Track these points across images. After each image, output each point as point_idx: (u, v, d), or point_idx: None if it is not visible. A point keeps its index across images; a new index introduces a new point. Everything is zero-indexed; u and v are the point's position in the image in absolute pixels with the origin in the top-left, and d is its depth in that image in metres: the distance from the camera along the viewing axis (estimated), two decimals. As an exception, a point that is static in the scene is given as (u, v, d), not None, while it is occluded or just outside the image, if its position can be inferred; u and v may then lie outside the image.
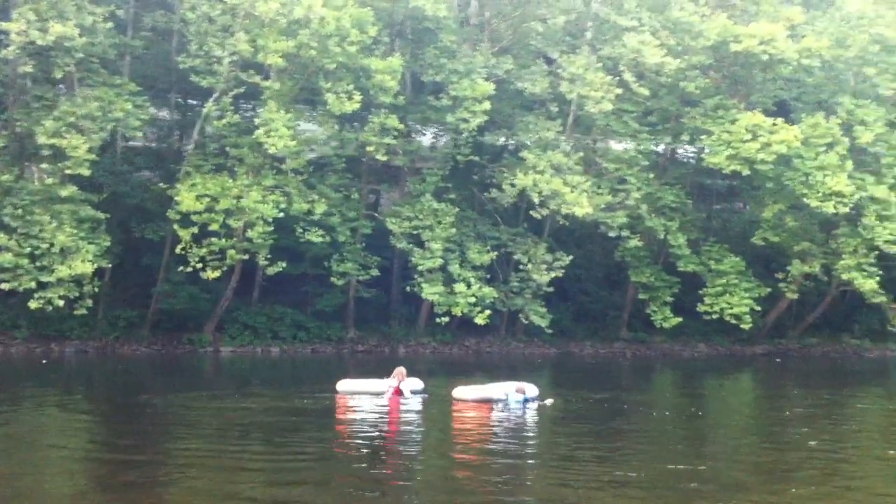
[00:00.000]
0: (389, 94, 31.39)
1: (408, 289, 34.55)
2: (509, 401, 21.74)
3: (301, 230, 32.17)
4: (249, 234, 31.05)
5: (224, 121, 31.25)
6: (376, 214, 35.66)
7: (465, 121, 32.41)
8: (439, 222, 33.31)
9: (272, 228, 31.13)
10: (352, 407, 21.44)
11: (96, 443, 17.13)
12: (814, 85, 37.99)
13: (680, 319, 36.89)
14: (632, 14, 34.43)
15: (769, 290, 37.49)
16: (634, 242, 35.70)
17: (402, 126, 33.05)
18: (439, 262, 32.95)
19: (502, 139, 34.69)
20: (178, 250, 31.28)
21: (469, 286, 33.01)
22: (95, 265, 29.63)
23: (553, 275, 34.69)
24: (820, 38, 35.46)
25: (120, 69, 32.39)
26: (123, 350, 32.90)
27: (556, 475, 14.49)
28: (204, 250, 31.00)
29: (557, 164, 33.57)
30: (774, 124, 34.35)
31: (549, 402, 21.88)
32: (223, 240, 31.08)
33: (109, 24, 30.52)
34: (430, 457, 16.45)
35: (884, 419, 22.43)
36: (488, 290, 33.37)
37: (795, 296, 38.61)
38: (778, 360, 38.28)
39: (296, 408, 21.06)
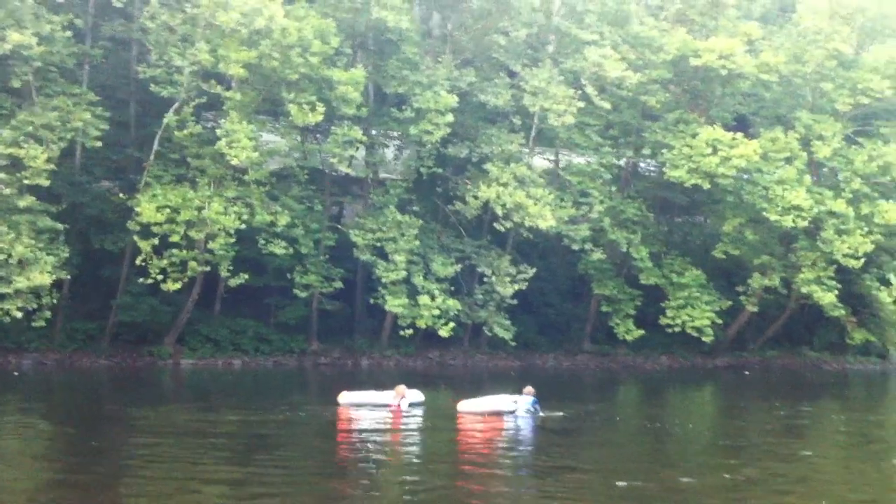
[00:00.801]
0: (352, 106, 31.35)
1: (371, 301, 34.41)
2: (518, 411, 21.82)
3: (264, 242, 31.95)
4: (211, 245, 30.78)
5: (185, 131, 31.01)
6: (340, 226, 35.52)
7: (429, 133, 32.45)
8: (403, 234, 33.26)
9: (234, 240, 30.92)
10: (352, 419, 21.56)
11: (54, 458, 16.76)
12: (772, 99, 38.56)
13: (643, 332, 37.15)
14: (593, 28, 34.78)
15: (730, 303, 37.86)
16: (597, 255, 35.90)
17: (365, 138, 33.02)
18: (403, 274, 32.86)
19: (466, 151, 34.77)
20: (138, 262, 30.93)
21: (433, 298, 32.95)
22: (54, 276, 29.21)
23: (517, 287, 34.76)
24: (777, 53, 36.07)
25: (79, 78, 32.04)
26: (82, 362, 32.38)
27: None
28: (165, 262, 30.67)
29: (521, 176, 33.70)
30: (734, 138, 34.78)
31: (559, 414, 21.94)
32: (184, 251, 30.77)
33: (68, 33, 30.26)
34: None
35: (851, 430, 22.67)
36: (452, 303, 33.33)
37: (756, 309, 39.02)
38: (747, 372, 38.56)
39: (291, 421, 20.94)
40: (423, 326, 33.23)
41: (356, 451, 17.44)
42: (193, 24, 30.77)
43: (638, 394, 31.43)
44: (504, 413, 22.12)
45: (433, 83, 32.95)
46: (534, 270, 35.31)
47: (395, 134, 35.31)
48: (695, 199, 40.88)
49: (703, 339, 36.81)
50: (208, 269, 31.75)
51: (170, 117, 30.93)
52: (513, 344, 35.91)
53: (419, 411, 22.97)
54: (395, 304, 32.95)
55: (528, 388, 22.52)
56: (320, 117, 30.85)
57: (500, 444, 19.22)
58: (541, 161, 38.46)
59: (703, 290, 37.24)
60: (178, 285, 30.94)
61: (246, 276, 31.91)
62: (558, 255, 40.34)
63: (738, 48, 34.75)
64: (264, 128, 32.33)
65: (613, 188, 37.08)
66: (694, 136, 35.31)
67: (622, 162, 38.46)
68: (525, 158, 34.84)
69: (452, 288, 34.53)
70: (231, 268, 31.55)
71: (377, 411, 22.58)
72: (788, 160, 35.81)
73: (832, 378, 38.54)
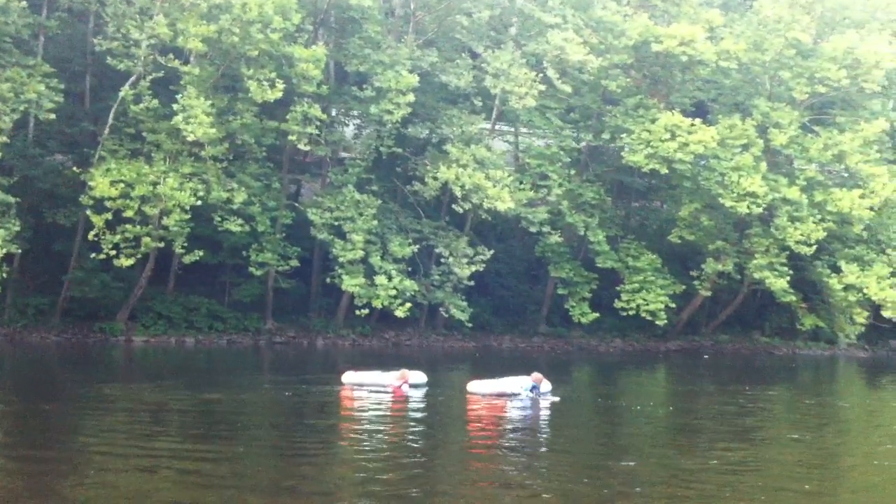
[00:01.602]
0: (312, 84, 31.06)
1: (328, 280, 34.28)
2: (522, 394, 21.92)
3: (219, 219, 31.63)
4: (165, 221, 30.41)
5: (141, 105, 30.50)
6: (297, 204, 35.25)
7: (389, 112, 32.25)
8: (361, 214, 33.11)
9: (189, 216, 30.55)
10: (352, 399, 21.58)
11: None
12: (731, 87, 38.83)
13: (597, 315, 37.43)
14: (556, 11, 34.74)
15: (684, 287, 38.25)
16: (555, 238, 36.06)
17: (324, 116, 32.74)
18: (360, 253, 32.74)
19: (426, 132, 34.63)
20: (90, 237, 30.44)
21: (390, 279, 32.89)
22: (4, 250, 28.67)
23: (474, 268, 34.80)
24: (738, 40, 36.32)
25: (33, 49, 31.32)
26: (32, 338, 31.92)
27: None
28: (118, 237, 30.23)
29: (481, 158, 33.67)
30: (692, 125, 35.04)
31: (555, 399, 22.04)
32: (138, 227, 30.38)
33: (23, 3, 29.57)
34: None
35: (806, 411, 23.06)
36: (409, 283, 33.29)
37: (709, 293, 39.51)
38: (706, 356, 39.08)
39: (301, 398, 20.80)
40: (380, 306, 33.17)
41: (330, 432, 17.36)
42: (152, -3, 30.23)
43: (593, 376, 31.65)
44: (510, 395, 22.18)
45: (395, 63, 32.72)
46: (491, 252, 35.36)
47: (356, 113, 35.05)
48: (652, 183, 41.27)
49: (657, 322, 37.19)
50: (162, 245, 31.40)
51: (126, 91, 30.39)
52: (469, 325, 35.99)
53: (420, 392, 22.90)
54: (351, 283, 32.85)
55: (536, 375, 22.36)
56: (280, 94, 30.49)
57: (469, 426, 19.21)
58: (501, 143, 38.46)
59: (658, 275, 37.61)
60: (131, 261, 30.57)
61: (201, 254, 31.59)
62: (516, 238, 40.47)
63: (699, 35, 34.92)
64: (222, 104, 31.83)
65: (572, 171, 37.23)
66: (653, 121, 35.52)
67: (581, 145, 38.55)
68: (485, 140, 34.79)
69: (410, 268, 34.48)
70: (185, 244, 31.19)
71: (379, 392, 22.58)
72: (745, 147, 36.16)
73: (782, 362, 39.16)
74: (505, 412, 20.66)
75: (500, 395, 22.29)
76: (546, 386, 22.48)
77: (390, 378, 23.17)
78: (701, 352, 40.51)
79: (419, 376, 23.64)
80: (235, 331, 35.09)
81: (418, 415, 20.57)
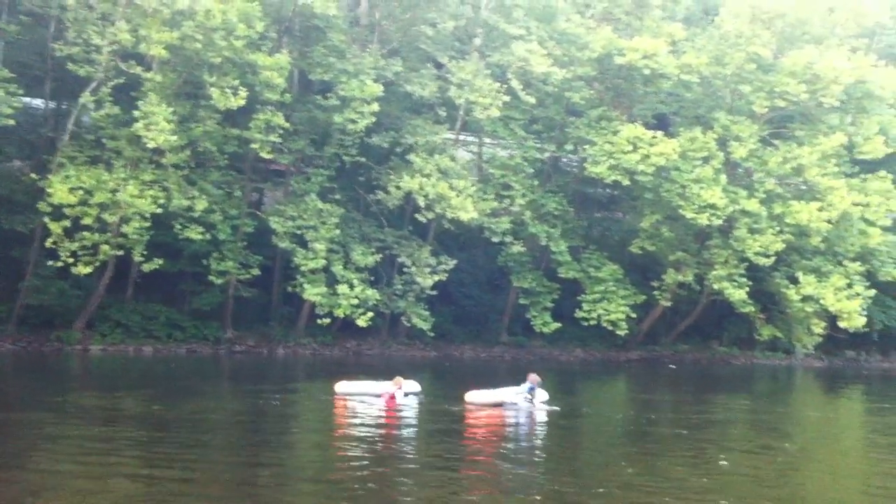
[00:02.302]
0: (276, 92, 30.87)
1: (289, 289, 34.07)
2: (519, 401, 22.02)
3: (180, 227, 31.30)
4: (125, 229, 30.03)
5: (102, 112, 30.12)
6: (259, 213, 35.00)
7: (353, 121, 32.15)
8: (323, 223, 32.94)
9: (149, 224, 30.20)
10: (345, 409, 21.54)
11: None
12: (692, 100, 39.19)
13: (559, 325, 37.61)
14: (520, 23, 34.87)
15: (645, 297, 38.56)
16: (517, 248, 36.18)
17: (288, 124, 32.54)
18: (322, 262, 32.57)
19: (390, 141, 34.56)
20: (48, 244, 29.94)
21: (352, 287, 32.74)
22: (-42, 258, 28.16)
23: (436, 278, 34.78)
24: (699, 54, 36.69)
25: (-8, 54, 30.85)
26: (-14, 346, 31.35)
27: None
28: (76, 244, 29.80)
29: (444, 168, 33.66)
30: (654, 137, 35.33)
31: (555, 408, 22.19)
32: (97, 234, 29.97)
33: (-19, 7, 29.05)
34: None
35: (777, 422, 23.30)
36: (371, 292, 33.17)
37: (669, 304, 39.86)
38: (672, 366, 39.41)
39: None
40: (341, 316, 33.01)
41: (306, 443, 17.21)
42: (114, 3, 29.85)
43: (565, 386, 31.73)
44: (508, 405, 22.31)
45: (359, 72, 32.62)
46: (454, 262, 35.37)
47: (319, 121, 34.83)
48: (614, 195, 41.56)
49: (618, 332, 37.47)
50: (121, 253, 31.00)
51: (86, 97, 30.00)
52: (431, 335, 35.96)
53: (413, 401, 22.94)
54: (313, 292, 32.66)
55: (533, 376, 22.52)
56: (242, 102, 30.28)
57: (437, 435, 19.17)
58: (464, 153, 38.51)
59: (619, 285, 37.89)
60: (89, 269, 30.18)
61: (160, 262, 31.22)
62: (479, 247, 40.50)
63: (662, 48, 35.25)
64: (184, 111, 31.54)
65: (535, 182, 37.36)
66: (615, 133, 35.78)
67: (545, 156, 38.71)
68: (449, 150, 34.80)
69: (372, 278, 34.40)
70: (145, 252, 30.83)
71: (373, 401, 22.58)
72: (706, 159, 36.52)
73: (740, 372, 39.59)
74: (500, 421, 20.69)
75: (498, 405, 22.36)
76: (543, 395, 22.68)
77: (384, 387, 23.16)
78: (662, 361, 40.85)
79: (412, 385, 23.67)
80: (195, 340, 34.71)
81: (390, 424, 20.48)
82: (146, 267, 31.25)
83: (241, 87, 30.13)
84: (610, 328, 37.33)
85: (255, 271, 33.54)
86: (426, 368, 33.57)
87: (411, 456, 17.00)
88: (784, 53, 37.65)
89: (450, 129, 35.08)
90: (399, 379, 23.21)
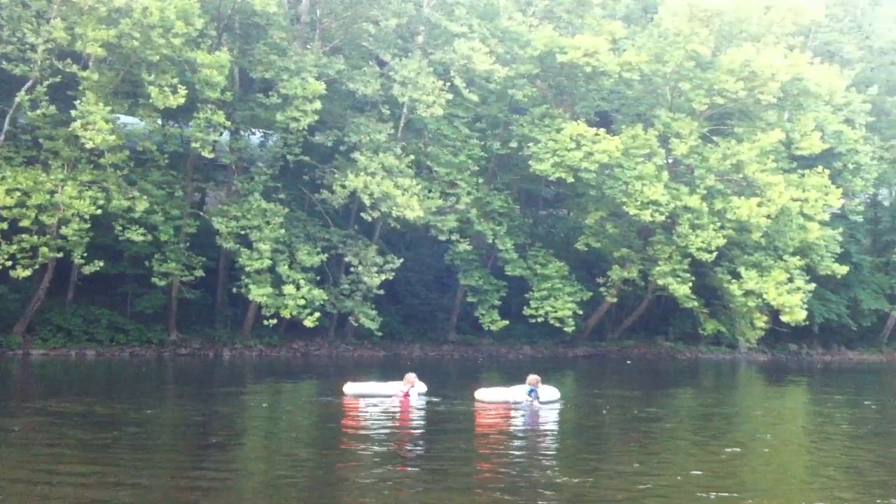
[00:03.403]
0: (216, 90, 30.50)
1: (234, 290, 33.72)
2: (522, 401, 22.08)
3: (120, 228, 30.81)
4: (64, 231, 29.44)
5: (38, 111, 29.55)
6: (202, 213, 34.61)
7: (296, 120, 31.93)
8: (268, 222, 32.66)
9: (89, 225, 29.65)
10: (357, 410, 21.25)
11: None
12: (633, 97, 39.64)
13: (506, 322, 37.74)
14: (462, 21, 34.98)
15: (591, 294, 38.85)
16: (464, 246, 36.25)
17: (229, 123, 32.25)
18: (267, 262, 32.28)
19: (333, 140, 34.41)
20: (-16, 247, 29.31)
21: (298, 288, 32.50)
22: None
23: (383, 277, 34.69)
24: (639, 52, 37.14)
25: (-78, 53, 30.09)
26: (-78, 352, 30.59)
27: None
28: (14, 247, 29.15)
29: (389, 166, 33.61)
30: (597, 134, 35.64)
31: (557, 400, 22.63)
32: (35, 237, 29.38)
33: (-89, 3, 28.36)
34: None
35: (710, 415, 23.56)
36: (318, 292, 32.96)
37: (615, 300, 40.23)
38: (629, 361, 39.76)
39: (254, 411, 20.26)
40: (288, 316, 32.75)
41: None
42: (49, 0, 29.32)
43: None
44: (513, 403, 22.36)
45: (301, 69, 32.45)
46: (401, 261, 35.30)
47: (261, 120, 34.58)
48: (559, 192, 41.84)
49: (565, 329, 37.69)
50: (61, 255, 30.41)
51: (22, 96, 29.42)
52: (378, 334, 35.85)
53: (423, 401, 22.68)
54: (258, 293, 32.35)
55: (532, 377, 22.53)
56: (182, 100, 29.87)
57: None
58: (409, 151, 38.39)
59: (565, 282, 38.13)
60: (28, 272, 29.51)
61: (101, 264, 30.64)
62: (425, 246, 40.55)
63: (603, 46, 35.59)
64: (123, 110, 31.10)
65: (480, 180, 37.48)
66: (559, 130, 36.04)
67: (489, 154, 38.86)
68: (393, 148, 34.77)
69: (318, 277, 34.19)
70: (85, 254, 30.22)
71: (384, 402, 22.31)
72: (648, 157, 36.94)
73: (686, 366, 40.05)
74: (509, 419, 20.75)
75: (505, 403, 22.45)
76: (550, 393, 22.94)
77: (395, 386, 22.92)
78: (609, 357, 41.23)
79: (420, 386, 23.37)
80: (138, 343, 34.20)
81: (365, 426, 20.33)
82: (87, 269, 30.66)
83: (180, 86, 29.76)
84: (557, 325, 37.54)
85: (199, 272, 33.13)
86: (375, 368, 33.47)
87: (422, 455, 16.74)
88: (722, 51, 38.27)
89: (393, 127, 34.98)
90: (411, 376, 22.96)
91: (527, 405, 22.02)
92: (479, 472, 14.54)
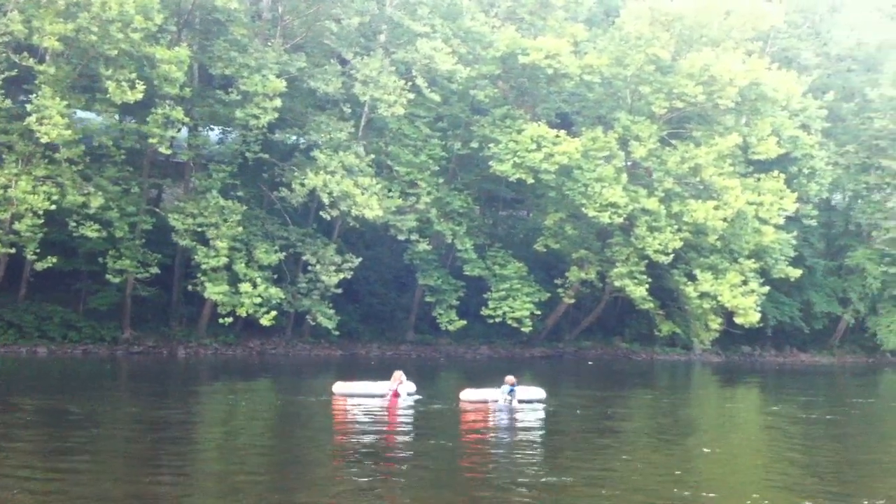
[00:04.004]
0: (175, 86, 30.14)
1: (190, 288, 33.38)
2: (501, 399, 22.44)
3: (75, 224, 30.36)
4: (17, 226, 28.93)
5: (-8, 105, 29.03)
6: (158, 210, 34.20)
7: (255, 117, 31.67)
8: (225, 220, 32.35)
9: (42, 221, 29.17)
10: (344, 408, 21.47)
11: None
12: (594, 100, 39.83)
13: (465, 322, 37.77)
14: (425, 20, 34.90)
15: (549, 295, 39.02)
16: (423, 246, 36.23)
17: (187, 119, 31.87)
18: (224, 260, 31.99)
19: (293, 138, 34.18)
20: (-65, 242, 28.74)
21: (255, 286, 32.26)
22: None
23: (342, 276, 34.54)
24: (601, 55, 37.32)
25: None
26: None
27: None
28: (-35, 243, 28.66)
29: (349, 165, 33.45)
30: (557, 136, 35.79)
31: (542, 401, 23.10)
32: (-13, 232, 28.88)
33: None
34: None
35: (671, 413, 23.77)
36: (275, 291, 32.74)
37: (572, 301, 40.48)
38: (590, 362, 40.00)
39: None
40: (244, 315, 32.50)
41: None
42: (5, -8, 28.79)
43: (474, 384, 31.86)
44: (492, 401, 22.76)
45: (261, 66, 32.16)
46: (359, 260, 35.16)
47: (221, 117, 34.20)
48: (519, 193, 41.91)
49: (523, 329, 37.85)
50: (13, 251, 29.94)
51: (-25, 90, 28.87)
52: (336, 333, 35.69)
53: (411, 401, 22.93)
54: (214, 291, 32.06)
55: (510, 378, 22.91)
56: (140, 96, 29.48)
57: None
58: (369, 150, 38.27)
59: (523, 282, 38.27)
60: (-21, 268, 29.04)
61: (54, 260, 30.18)
62: (384, 245, 40.45)
63: (564, 49, 35.73)
64: (79, 104, 30.62)
65: (441, 180, 37.45)
66: (519, 131, 36.13)
67: (450, 154, 38.84)
68: (353, 147, 34.63)
69: (276, 276, 33.97)
70: (38, 250, 29.75)
71: (373, 400, 22.61)
72: (607, 159, 37.16)
73: (642, 367, 40.38)
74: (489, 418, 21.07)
75: (485, 403, 22.83)
76: (531, 392, 23.42)
77: (385, 386, 23.15)
78: (565, 357, 41.48)
79: (409, 386, 23.57)
80: (91, 340, 33.73)
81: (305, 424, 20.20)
82: (39, 265, 30.18)
83: (138, 81, 29.36)
84: (515, 325, 37.67)
85: (154, 270, 32.75)
86: (332, 367, 33.36)
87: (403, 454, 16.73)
88: (682, 56, 38.56)
89: (354, 125, 34.81)
90: (399, 374, 23.24)
91: (504, 405, 22.32)
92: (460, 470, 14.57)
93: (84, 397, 21.86)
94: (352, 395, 23.20)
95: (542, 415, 22.01)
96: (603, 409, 23.58)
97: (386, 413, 21.45)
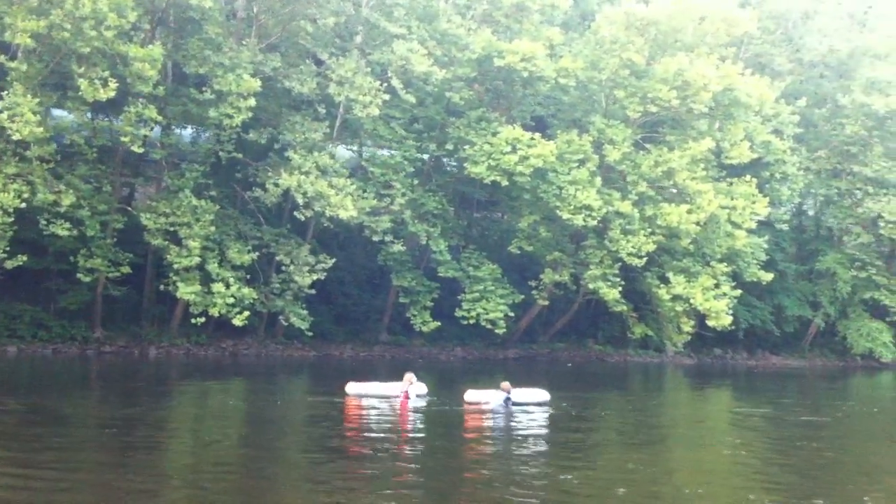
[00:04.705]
0: (148, 84, 29.89)
1: (162, 287, 33.17)
2: (494, 405, 22.92)
3: (45, 222, 30.06)
4: (-14, 224, 28.64)
5: (-38, 102, 28.67)
6: (130, 209, 33.94)
7: (229, 116, 31.46)
8: (198, 220, 32.14)
9: (13, 219, 28.82)
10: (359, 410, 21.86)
11: None
12: (569, 103, 39.96)
13: (438, 324, 37.78)
14: (401, 22, 34.84)
15: (523, 297, 39.09)
16: (397, 247, 36.20)
17: (160, 118, 31.64)
18: (197, 260, 31.79)
19: (268, 138, 34.01)
20: None
21: (228, 286, 32.08)
22: None
23: (315, 277, 34.44)
24: (576, 59, 37.43)
25: None
26: None
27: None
28: (-68, 240, 28.29)
29: (323, 165, 33.35)
30: (532, 139, 35.86)
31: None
32: (-44, 230, 28.51)
33: None
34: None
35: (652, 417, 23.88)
36: (248, 291, 32.57)
37: (546, 303, 40.58)
38: (569, 364, 40.13)
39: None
40: (216, 315, 32.31)
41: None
42: (-24, -12, 28.45)
43: (446, 384, 31.87)
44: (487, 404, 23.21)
45: (236, 66, 31.96)
46: (333, 260, 35.07)
47: (194, 116, 33.98)
48: (494, 195, 41.96)
49: (497, 331, 37.90)
50: (-17, 249, 29.57)
51: (-55, 86, 28.53)
52: (309, 334, 35.59)
53: (421, 402, 23.28)
54: (187, 291, 31.85)
55: (505, 384, 23.38)
56: (113, 94, 29.22)
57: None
58: (344, 151, 38.29)
59: (497, 284, 38.33)
60: (-53, 266, 28.69)
61: (24, 258, 29.88)
62: (358, 246, 40.38)
63: (540, 52, 35.78)
64: (51, 102, 30.33)
65: (415, 181, 37.43)
66: (495, 134, 36.17)
67: (425, 156, 38.86)
68: (328, 148, 34.51)
69: (249, 276, 33.79)
70: (8, 248, 29.41)
71: (385, 402, 22.95)
72: (582, 162, 37.26)
73: (614, 369, 40.58)
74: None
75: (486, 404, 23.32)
76: (540, 394, 23.94)
77: (397, 387, 23.46)
78: (538, 359, 41.60)
79: (420, 387, 23.89)
80: (61, 340, 33.46)
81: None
82: (9, 264, 29.83)
83: (111, 79, 29.11)
84: (489, 327, 37.73)
85: (126, 269, 32.49)
86: (305, 368, 33.31)
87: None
88: (657, 60, 38.72)
89: (329, 126, 34.71)
90: (410, 375, 23.59)
91: (499, 407, 22.86)
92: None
93: (54, 397, 21.67)
94: (364, 396, 23.60)
95: (545, 417, 22.22)
96: (598, 410, 23.87)
97: (394, 414, 21.71)
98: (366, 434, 19.22)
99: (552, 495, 13.66)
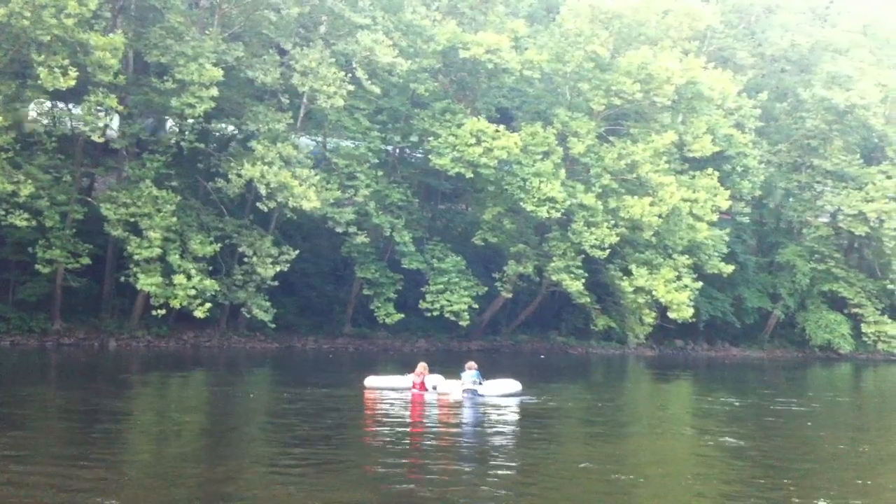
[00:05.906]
0: (109, 73, 29.51)
1: (122, 279, 32.81)
2: (464, 384, 23.49)
3: (3, 212, 29.63)
4: (-58, 214, 28.18)
5: (-82, 90, 28.16)
6: (90, 199, 33.51)
7: (192, 106, 31.15)
8: (159, 210, 31.82)
9: (-31, 210, 28.47)
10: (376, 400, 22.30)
11: None
12: (534, 96, 40.04)
13: (402, 315, 37.73)
14: (366, 12, 34.71)
15: (486, 288, 39.16)
16: (361, 238, 36.07)
17: (121, 107, 31.26)
18: (158, 251, 31.48)
19: (230, 128, 33.72)
20: None
21: (189, 278, 31.80)
22: None
23: (278, 268, 34.24)
24: (541, 51, 37.50)
25: None
26: None
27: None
28: None
29: (287, 156, 33.14)
30: (497, 131, 35.90)
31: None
32: (-90, 220, 28.02)
33: None
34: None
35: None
36: (210, 283, 32.31)
37: (510, 295, 40.68)
38: (542, 356, 40.29)
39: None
40: (178, 307, 32.05)
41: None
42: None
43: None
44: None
45: (198, 55, 31.63)
46: (296, 252, 34.89)
47: (156, 105, 33.60)
48: (458, 187, 41.98)
49: (461, 323, 37.92)
50: (-62, 240, 29.13)
51: None
52: (272, 326, 35.38)
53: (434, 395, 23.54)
54: (147, 282, 31.54)
55: (471, 363, 23.88)
56: (73, 82, 28.78)
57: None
58: (308, 142, 38.06)
59: (462, 276, 38.35)
60: None
61: (-18, 249, 29.52)
62: (322, 237, 40.18)
63: (505, 44, 35.81)
64: (10, 90, 29.83)
65: (380, 173, 37.32)
66: (459, 126, 36.17)
67: (389, 147, 38.74)
68: (292, 138, 34.30)
69: (211, 267, 33.52)
70: (-35, 240, 29.07)
71: (402, 394, 23.39)
72: (546, 154, 37.36)
73: (576, 361, 40.80)
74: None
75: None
76: (513, 385, 24.43)
77: (409, 379, 23.89)
78: (502, 351, 41.72)
79: (436, 378, 24.25)
80: (19, 332, 32.98)
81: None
82: (-34, 255, 29.46)
83: (71, 68, 28.68)
84: (452, 319, 37.75)
85: (86, 260, 32.10)
86: (268, 360, 33.12)
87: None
88: (621, 53, 38.92)
89: (293, 117, 34.48)
90: (423, 365, 24.03)
91: (470, 395, 23.12)
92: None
93: (11, 389, 21.37)
94: (382, 389, 24.03)
95: (517, 408, 22.33)
96: (562, 401, 24.04)
97: (407, 406, 22.05)
98: (330, 424, 19.16)
99: (520, 488, 13.71)
